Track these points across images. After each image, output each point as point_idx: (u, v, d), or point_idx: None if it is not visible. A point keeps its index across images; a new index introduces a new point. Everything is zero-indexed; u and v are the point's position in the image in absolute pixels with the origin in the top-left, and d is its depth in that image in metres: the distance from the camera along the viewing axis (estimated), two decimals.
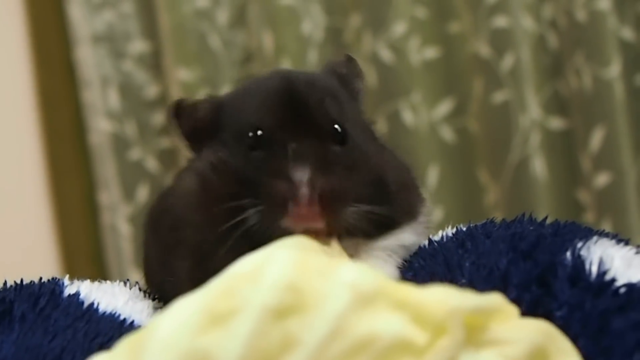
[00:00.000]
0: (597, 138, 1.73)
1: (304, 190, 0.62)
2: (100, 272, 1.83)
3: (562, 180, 1.81)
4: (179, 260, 0.70)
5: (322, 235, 0.64)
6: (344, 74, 0.78)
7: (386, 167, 0.72)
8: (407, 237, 0.73)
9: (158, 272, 0.77)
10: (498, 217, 0.77)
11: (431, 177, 1.78)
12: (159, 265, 0.76)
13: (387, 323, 0.46)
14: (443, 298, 0.48)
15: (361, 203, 0.66)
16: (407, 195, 0.74)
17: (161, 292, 0.78)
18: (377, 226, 0.68)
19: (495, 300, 0.50)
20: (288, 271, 0.47)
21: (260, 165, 0.66)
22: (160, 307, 0.74)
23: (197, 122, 0.75)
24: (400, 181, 0.73)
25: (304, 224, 0.63)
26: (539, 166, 1.76)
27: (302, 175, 0.62)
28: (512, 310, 0.52)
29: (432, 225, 0.79)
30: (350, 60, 0.80)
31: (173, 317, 0.45)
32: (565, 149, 1.81)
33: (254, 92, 0.72)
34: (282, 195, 0.62)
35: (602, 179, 1.73)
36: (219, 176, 0.68)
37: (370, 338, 0.45)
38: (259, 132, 0.67)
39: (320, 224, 0.63)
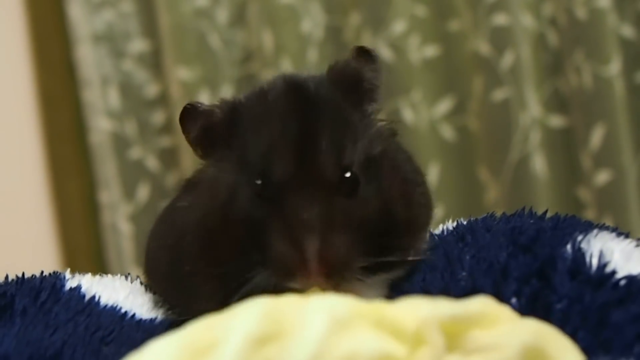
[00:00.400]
0: (597, 136, 1.73)
1: (313, 262, 0.60)
2: (101, 271, 1.82)
3: (563, 178, 1.81)
4: (186, 288, 0.69)
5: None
6: (353, 73, 0.71)
7: (396, 212, 0.68)
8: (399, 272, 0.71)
9: (162, 284, 0.76)
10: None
11: (431, 175, 1.78)
12: (164, 280, 0.75)
13: (366, 341, 0.46)
14: (415, 310, 0.48)
15: (367, 257, 0.63)
16: (413, 243, 0.70)
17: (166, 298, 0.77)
18: (379, 276, 0.66)
19: (477, 305, 0.50)
20: (264, 304, 0.47)
21: (266, 219, 0.63)
22: (161, 302, 0.74)
23: (210, 129, 0.71)
24: (410, 228, 0.69)
25: (310, 288, 0.61)
26: (539, 164, 1.76)
27: (310, 245, 0.60)
28: (502, 312, 0.51)
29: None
30: (361, 53, 0.72)
31: (154, 353, 0.45)
32: (565, 147, 1.81)
33: (262, 116, 0.68)
34: (290, 264, 0.61)
35: (602, 177, 1.73)
36: (225, 222, 0.66)
37: (351, 357, 0.45)
38: (266, 181, 0.64)
39: (326, 288, 0.61)
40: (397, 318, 0.48)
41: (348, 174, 0.65)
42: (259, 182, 0.64)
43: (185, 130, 0.72)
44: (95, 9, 1.84)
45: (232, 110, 0.70)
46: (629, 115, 1.76)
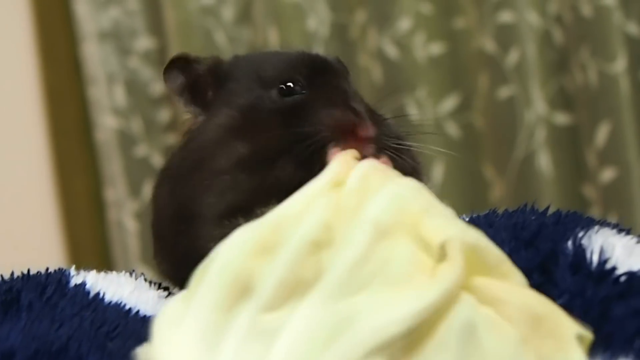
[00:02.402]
0: (602, 133, 1.73)
1: (366, 119, 0.69)
2: (106, 268, 1.83)
3: (568, 175, 1.81)
4: (214, 193, 0.70)
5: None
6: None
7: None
8: None
9: (176, 220, 0.75)
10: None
11: (436, 172, 1.79)
12: (180, 209, 0.75)
13: (403, 250, 0.54)
14: (444, 228, 0.55)
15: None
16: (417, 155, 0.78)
17: (174, 257, 0.76)
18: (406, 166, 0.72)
19: (501, 255, 0.55)
20: (324, 212, 0.56)
21: (302, 104, 0.71)
22: (166, 297, 0.75)
23: (199, 76, 0.76)
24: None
25: (361, 149, 0.68)
26: (544, 161, 1.76)
27: (360, 106, 0.70)
28: (519, 275, 0.55)
29: None
30: (338, 62, 0.81)
31: (230, 244, 0.55)
32: (570, 144, 1.81)
33: (272, 53, 0.78)
34: (348, 123, 0.68)
35: (607, 174, 1.73)
36: (259, 112, 0.72)
37: (389, 260, 0.53)
38: (292, 83, 0.72)
39: (373, 151, 0.69)
40: (428, 233, 0.55)
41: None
42: (286, 84, 0.72)
43: (170, 80, 0.77)
44: (101, 6, 1.84)
45: (223, 63, 0.78)
46: (634, 113, 1.76)
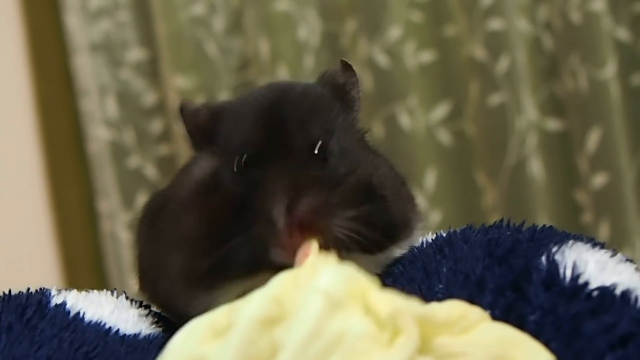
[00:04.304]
0: (593, 139, 1.74)
1: (283, 227, 0.63)
2: (100, 280, 1.84)
3: (560, 181, 1.82)
4: (173, 259, 0.73)
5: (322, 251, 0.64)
6: (340, 83, 0.79)
7: (377, 177, 0.73)
8: (398, 253, 0.75)
9: (151, 269, 0.80)
10: (496, 218, 0.77)
11: (429, 180, 1.79)
12: (152, 262, 0.79)
13: (356, 322, 0.52)
14: (391, 301, 0.53)
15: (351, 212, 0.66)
16: (400, 204, 0.74)
17: (153, 290, 0.80)
18: (374, 233, 0.68)
19: (445, 311, 0.54)
20: (275, 288, 0.54)
21: (246, 196, 0.68)
22: (146, 315, 0.75)
23: (196, 127, 0.79)
24: (394, 191, 0.73)
25: (295, 252, 0.64)
26: (536, 167, 1.77)
27: (279, 212, 0.64)
28: (471, 315, 0.54)
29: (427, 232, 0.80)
30: (346, 68, 0.80)
31: (184, 331, 0.54)
32: (562, 150, 1.82)
33: (243, 112, 0.75)
34: (265, 235, 0.65)
35: (599, 180, 1.73)
36: (214, 196, 0.71)
37: (342, 335, 0.51)
38: (243, 162, 0.70)
39: (311, 245, 0.64)
40: (376, 304, 0.53)
41: (318, 146, 0.70)
42: (237, 161, 0.70)
43: (181, 126, 0.81)
44: (92, 19, 1.85)
45: (217, 110, 0.78)
46: (624, 118, 1.77)
